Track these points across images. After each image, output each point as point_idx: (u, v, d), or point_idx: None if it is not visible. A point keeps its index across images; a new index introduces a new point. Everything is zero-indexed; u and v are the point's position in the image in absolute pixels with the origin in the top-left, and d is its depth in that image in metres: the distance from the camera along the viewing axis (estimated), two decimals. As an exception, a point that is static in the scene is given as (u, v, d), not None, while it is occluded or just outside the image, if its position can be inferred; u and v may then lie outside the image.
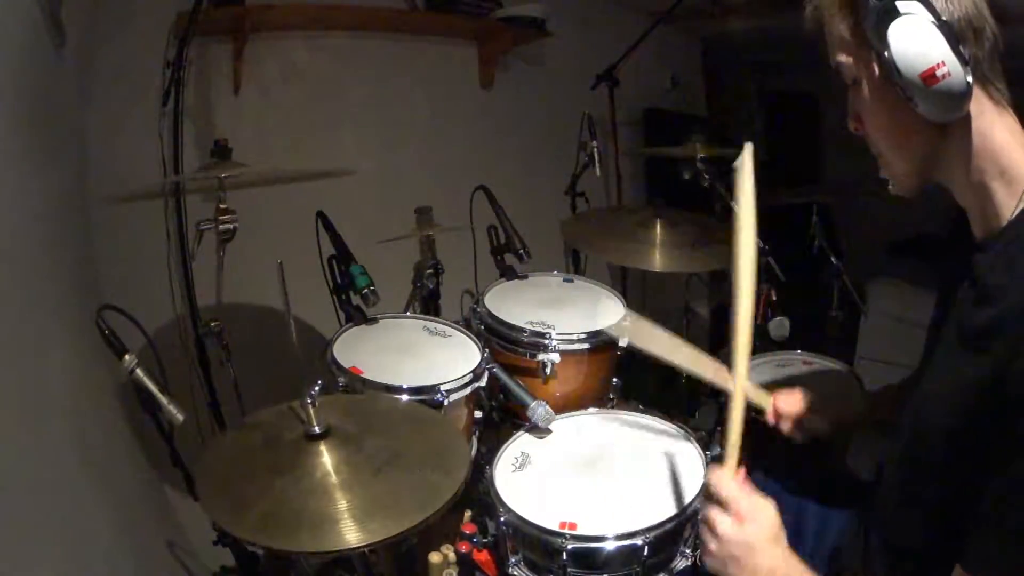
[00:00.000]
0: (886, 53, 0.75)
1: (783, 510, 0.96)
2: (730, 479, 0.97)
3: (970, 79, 0.73)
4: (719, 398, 1.96)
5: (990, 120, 0.78)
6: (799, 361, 2.07)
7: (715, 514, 0.95)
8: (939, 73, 0.72)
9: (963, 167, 0.81)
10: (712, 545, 0.94)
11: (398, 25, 2.50)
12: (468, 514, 1.46)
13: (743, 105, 3.28)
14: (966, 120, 0.78)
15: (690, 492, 1.30)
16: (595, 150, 2.29)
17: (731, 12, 3.09)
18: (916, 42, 0.73)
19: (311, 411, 1.17)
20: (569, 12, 2.82)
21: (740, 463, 0.99)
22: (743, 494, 0.95)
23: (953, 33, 0.73)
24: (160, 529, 1.71)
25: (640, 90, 3.10)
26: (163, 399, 1.21)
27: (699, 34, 3.45)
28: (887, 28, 0.74)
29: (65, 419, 1.25)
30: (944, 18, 0.73)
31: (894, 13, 0.74)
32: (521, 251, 1.96)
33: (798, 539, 1.23)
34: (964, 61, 0.73)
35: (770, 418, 1.33)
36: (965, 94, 0.74)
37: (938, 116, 0.77)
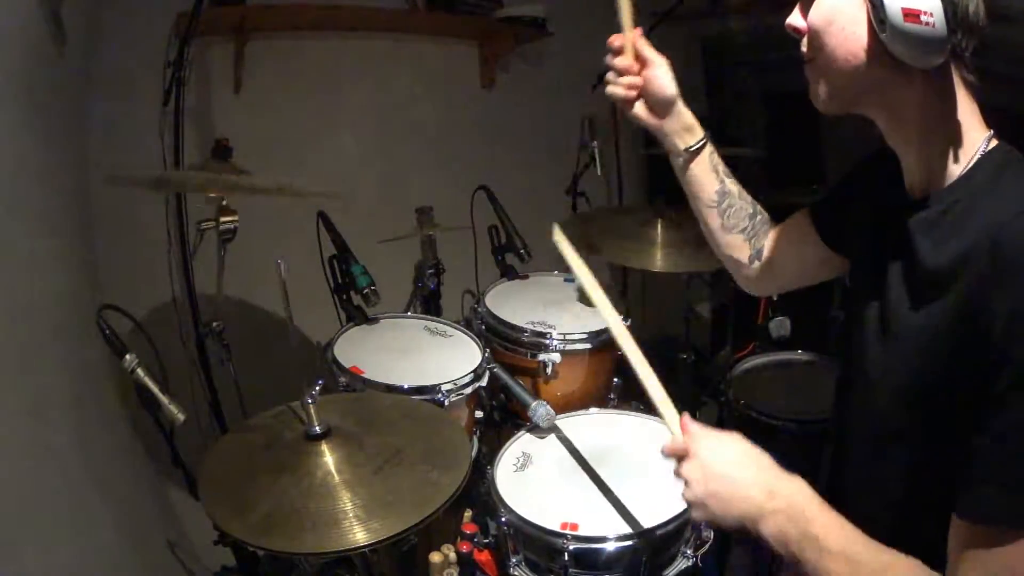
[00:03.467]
0: None
1: None
2: (676, 431, 0.97)
3: (947, 44, 0.75)
4: (720, 398, 1.96)
5: (953, 93, 0.81)
6: (799, 361, 2.07)
7: (677, 468, 0.94)
8: (923, 19, 0.74)
9: (914, 120, 0.83)
10: (687, 495, 0.91)
11: (398, 25, 2.50)
12: (469, 514, 1.46)
13: (743, 105, 3.28)
14: (931, 78, 0.80)
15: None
16: (596, 150, 2.29)
17: (731, 12, 3.09)
18: None
19: (312, 411, 1.17)
20: (570, 12, 2.81)
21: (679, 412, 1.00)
22: (692, 436, 0.94)
23: (953, 3, 0.74)
24: (161, 529, 1.71)
25: (641, 90, 3.09)
26: (164, 399, 1.21)
27: (699, 34, 3.45)
28: None
29: (66, 419, 1.25)
30: None
31: None
32: (522, 251, 1.96)
33: None
34: (951, 28, 0.74)
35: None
36: (935, 50, 0.76)
37: (899, 53, 0.78)
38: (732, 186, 1.18)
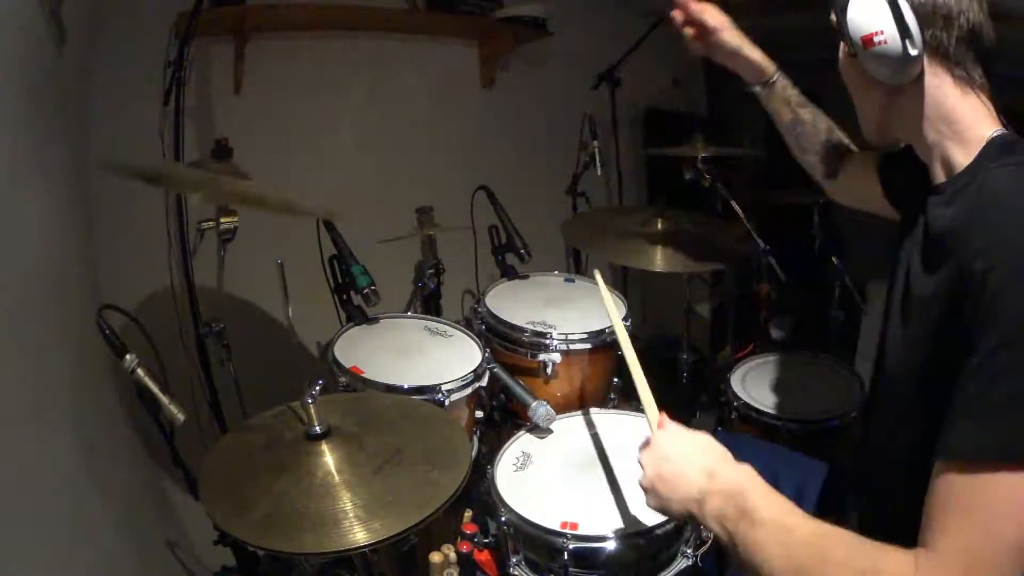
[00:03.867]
0: (843, 14, 0.87)
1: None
2: (653, 427, 1.00)
3: (913, 52, 0.82)
4: (720, 398, 1.97)
5: (945, 92, 0.87)
6: (800, 361, 2.07)
7: (638, 457, 0.98)
8: (876, 39, 0.83)
9: (917, 126, 0.91)
10: (640, 481, 0.96)
11: (399, 25, 2.50)
12: (469, 514, 1.46)
13: (743, 105, 3.27)
14: (918, 87, 0.87)
15: (691, 492, 1.30)
16: (596, 150, 2.29)
17: (731, 12, 3.09)
18: (864, 10, 0.84)
19: (312, 411, 1.17)
20: (570, 12, 2.82)
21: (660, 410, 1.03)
22: (662, 430, 0.98)
23: (900, 12, 0.82)
24: (161, 529, 1.71)
25: (641, 90, 3.09)
26: (164, 399, 1.21)
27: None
28: None
29: (66, 419, 1.25)
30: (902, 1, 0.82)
31: None
32: (522, 251, 1.96)
33: None
34: (906, 35, 0.82)
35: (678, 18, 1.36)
36: (902, 62, 0.83)
37: (881, 76, 0.87)
38: (806, 115, 1.31)
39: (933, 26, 0.83)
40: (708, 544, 1.29)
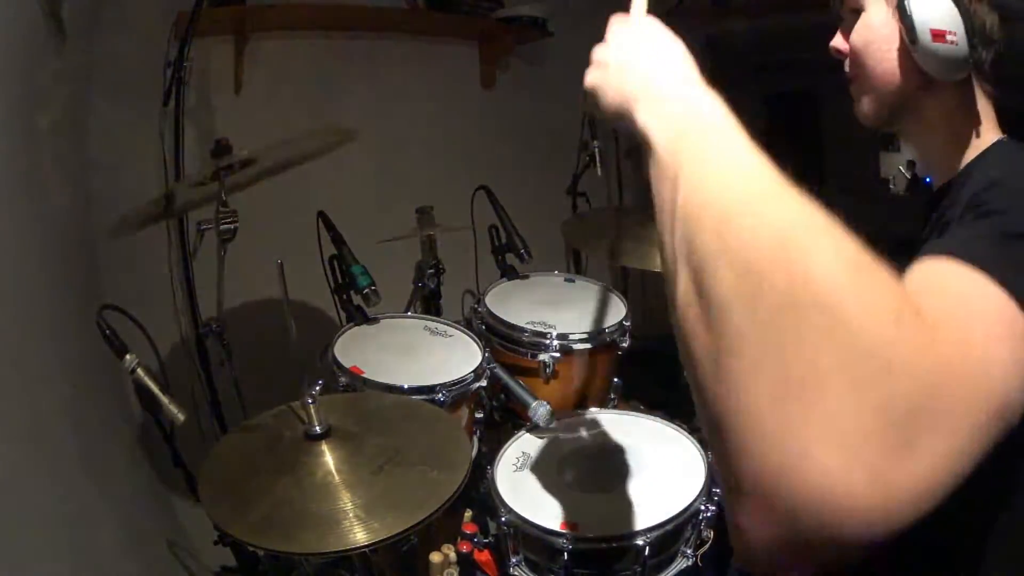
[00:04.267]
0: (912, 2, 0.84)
1: None
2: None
3: (970, 60, 0.83)
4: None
5: (974, 102, 0.88)
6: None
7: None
8: (948, 38, 0.82)
9: (933, 124, 0.91)
10: (597, 52, 0.74)
11: (399, 25, 2.50)
12: (469, 514, 1.46)
13: (744, 105, 3.27)
14: (956, 90, 0.88)
15: (691, 492, 1.30)
16: (596, 150, 2.28)
17: (731, 12, 3.09)
18: (937, 7, 0.83)
19: (312, 411, 1.17)
20: (570, 12, 2.81)
21: None
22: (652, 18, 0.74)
23: (971, 20, 0.82)
24: (161, 529, 1.71)
25: (641, 90, 3.09)
26: (164, 399, 1.21)
27: (699, 34, 3.45)
28: None
29: (66, 419, 1.25)
30: (969, 8, 0.83)
31: None
32: (522, 251, 1.96)
33: None
34: (972, 45, 0.82)
35: None
36: (959, 66, 0.84)
37: (929, 69, 0.86)
38: None
39: (981, 44, 0.85)
40: (708, 544, 1.29)
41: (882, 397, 0.39)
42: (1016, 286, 0.54)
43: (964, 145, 0.89)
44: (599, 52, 0.74)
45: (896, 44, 0.89)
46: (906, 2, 0.84)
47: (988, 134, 0.89)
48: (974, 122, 0.89)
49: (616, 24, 0.76)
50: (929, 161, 0.96)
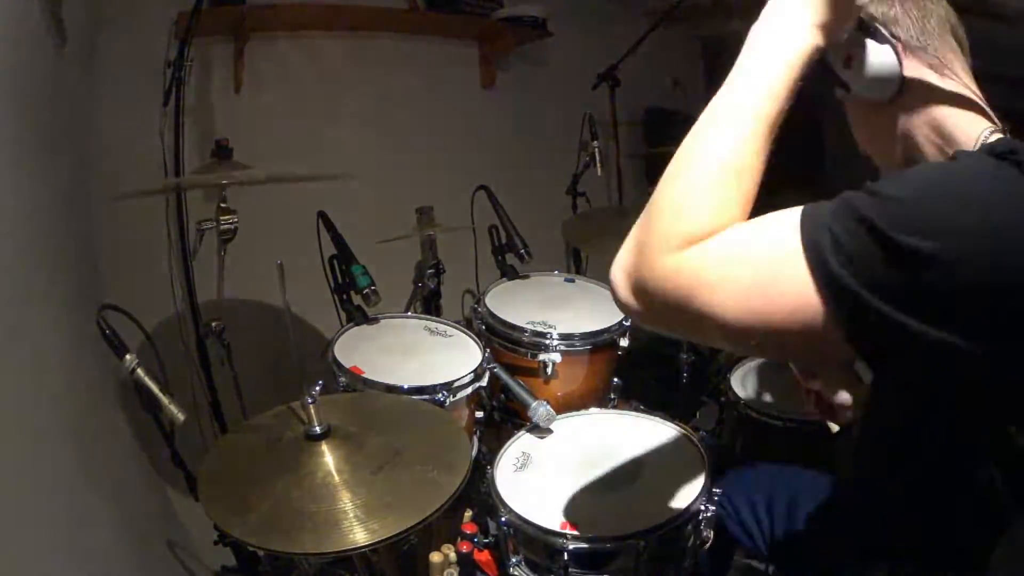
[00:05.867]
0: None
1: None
2: None
3: (893, 58, 0.80)
4: (719, 398, 1.96)
5: (934, 90, 0.83)
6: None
7: None
8: (853, 57, 0.81)
9: (925, 138, 0.86)
10: None
11: (399, 25, 2.50)
12: (469, 514, 1.46)
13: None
14: (909, 96, 0.83)
15: (691, 493, 1.30)
16: (596, 150, 2.28)
17: (731, 12, 3.09)
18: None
19: (312, 411, 1.17)
20: (570, 12, 2.82)
21: None
22: None
23: (862, 22, 0.79)
24: (161, 528, 1.71)
25: (641, 90, 3.09)
26: (164, 399, 1.21)
27: (700, 34, 3.45)
28: None
29: (66, 419, 1.25)
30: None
31: None
32: (522, 251, 1.96)
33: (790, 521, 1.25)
34: (882, 40, 0.79)
35: None
36: (882, 77, 0.81)
37: (874, 94, 0.84)
38: None
39: (889, 22, 0.82)
40: (708, 544, 1.29)
41: (645, 261, 0.70)
42: (807, 237, 0.63)
43: (947, 147, 0.84)
44: None
45: (855, 105, 0.89)
46: (827, 58, 0.82)
47: (970, 129, 0.82)
48: (944, 122, 0.84)
49: None
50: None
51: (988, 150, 0.70)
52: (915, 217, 0.61)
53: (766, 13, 0.77)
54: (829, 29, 0.75)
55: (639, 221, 0.75)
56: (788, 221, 0.66)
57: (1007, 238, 0.60)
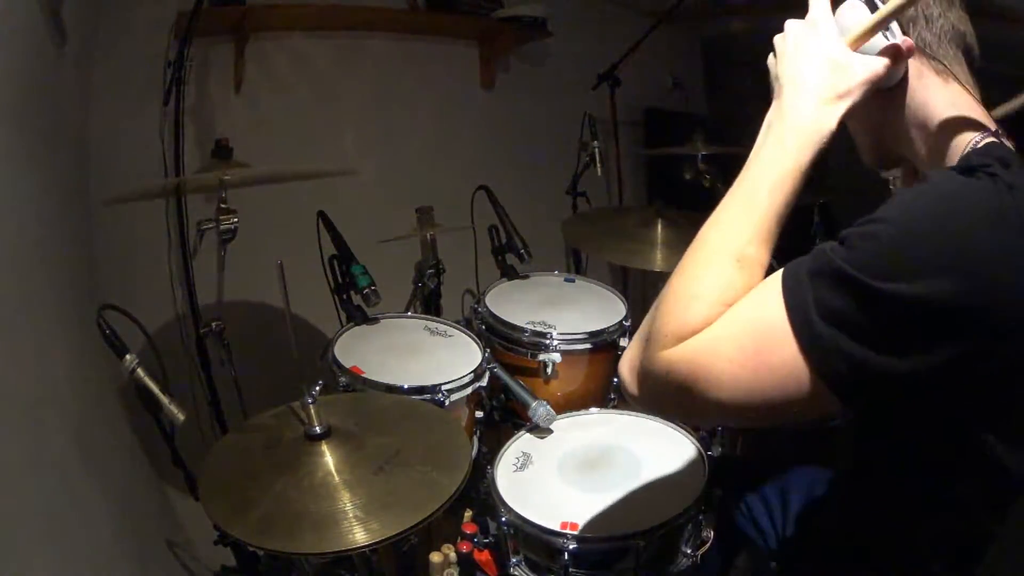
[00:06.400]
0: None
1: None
2: None
3: (898, 37, 0.78)
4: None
5: (933, 91, 0.82)
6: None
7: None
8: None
9: (907, 133, 0.85)
10: (777, 38, 0.85)
11: (399, 25, 2.50)
12: (469, 514, 1.46)
13: (743, 105, 3.28)
14: (905, 89, 0.82)
15: (691, 492, 1.30)
16: (596, 150, 2.28)
17: (731, 12, 3.09)
18: (847, 16, 0.80)
19: (312, 411, 1.17)
20: (570, 12, 2.82)
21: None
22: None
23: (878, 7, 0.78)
24: (161, 528, 1.71)
25: (641, 90, 3.10)
26: (164, 399, 1.21)
27: (700, 34, 3.45)
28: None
29: (66, 419, 1.25)
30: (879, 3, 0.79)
31: None
32: (522, 251, 1.96)
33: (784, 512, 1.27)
34: (888, 29, 0.78)
35: None
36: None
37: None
38: None
39: (909, 22, 0.81)
40: (708, 544, 1.29)
41: (646, 355, 0.73)
42: (803, 333, 0.64)
43: (940, 150, 0.81)
44: (776, 37, 0.85)
45: (876, 117, 0.86)
46: None
47: (965, 130, 0.80)
48: (936, 119, 0.81)
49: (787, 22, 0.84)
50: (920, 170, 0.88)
51: (962, 165, 0.70)
52: (893, 262, 0.61)
53: (785, 105, 0.79)
54: (844, 100, 0.76)
55: (647, 317, 0.77)
56: (771, 290, 0.68)
57: (989, 260, 0.60)
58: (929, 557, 0.81)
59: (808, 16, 0.82)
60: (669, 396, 0.72)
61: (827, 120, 0.76)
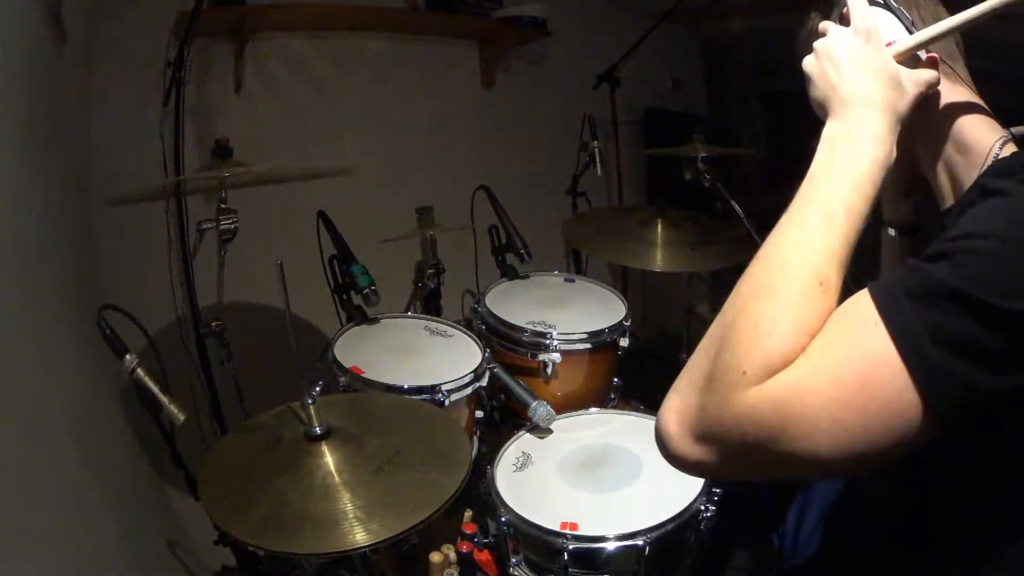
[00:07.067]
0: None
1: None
2: None
3: (923, 53, 0.76)
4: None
5: (945, 96, 0.80)
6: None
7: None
8: (892, 47, 0.76)
9: (931, 147, 0.81)
10: (806, 63, 0.82)
11: (399, 25, 2.50)
12: (469, 514, 1.46)
13: (744, 105, 3.28)
14: (927, 101, 0.79)
15: (691, 492, 1.30)
16: (596, 150, 2.28)
17: (731, 12, 3.09)
18: (881, 28, 0.77)
19: (312, 412, 1.17)
20: (570, 12, 2.82)
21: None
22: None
23: (903, 15, 0.77)
24: (161, 528, 1.71)
25: (641, 90, 3.09)
26: (164, 399, 1.21)
27: (699, 34, 3.45)
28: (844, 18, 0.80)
29: (66, 419, 1.25)
30: (895, 4, 0.78)
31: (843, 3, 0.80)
32: (522, 251, 1.96)
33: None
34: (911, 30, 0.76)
35: None
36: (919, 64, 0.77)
37: None
38: None
39: (913, 21, 0.79)
40: (708, 544, 1.29)
41: (715, 400, 0.62)
42: (912, 358, 0.57)
43: (959, 155, 0.79)
44: (821, 43, 0.80)
45: None
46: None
47: (982, 137, 0.78)
48: (955, 126, 0.79)
49: (832, 28, 0.80)
50: (935, 185, 0.85)
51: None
52: (1015, 279, 0.56)
53: (844, 120, 0.74)
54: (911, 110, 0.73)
55: (700, 355, 0.66)
56: (865, 315, 0.60)
57: None
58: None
59: (855, 24, 0.77)
60: (745, 450, 0.60)
61: (893, 141, 0.73)
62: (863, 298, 0.62)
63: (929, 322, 0.57)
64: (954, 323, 0.56)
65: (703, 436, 0.63)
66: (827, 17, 0.87)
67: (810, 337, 0.62)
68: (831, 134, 0.74)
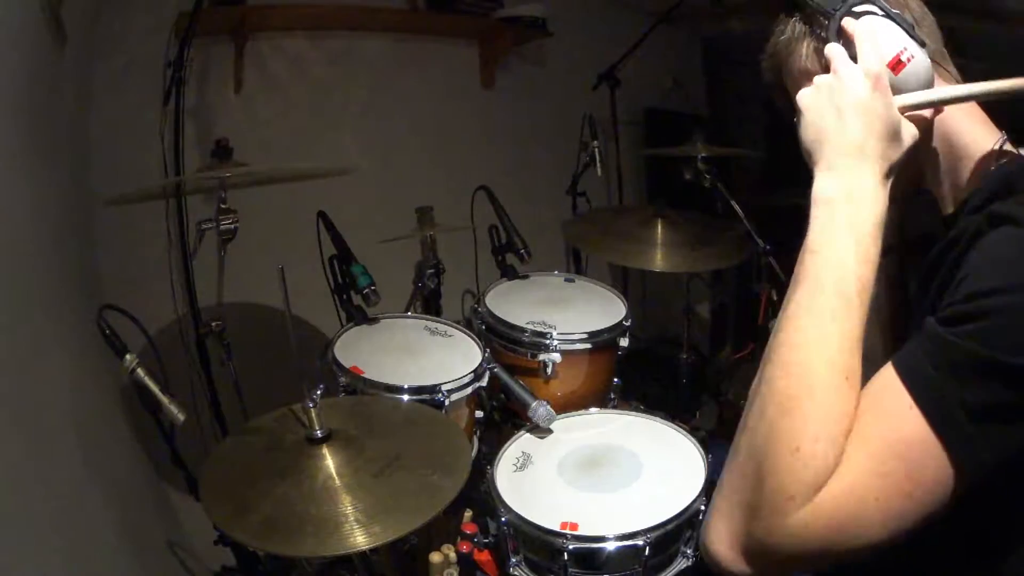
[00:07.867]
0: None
1: None
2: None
3: (928, 60, 0.75)
4: (719, 398, 1.97)
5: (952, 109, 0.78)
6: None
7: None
8: (904, 57, 0.74)
9: (935, 154, 0.80)
10: (801, 96, 0.78)
11: (399, 25, 2.50)
12: (469, 514, 1.46)
13: (743, 105, 3.28)
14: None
15: (691, 492, 1.30)
16: (596, 150, 2.28)
17: (732, 12, 3.09)
18: (876, 35, 0.75)
19: (313, 415, 1.17)
20: (570, 12, 2.82)
21: None
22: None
23: (904, 20, 0.75)
24: (161, 528, 1.71)
25: (641, 90, 3.09)
26: (164, 399, 1.21)
27: (700, 34, 3.45)
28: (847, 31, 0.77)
29: (66, 419, 1.25)
30: (895, 10, 0.76)
31: (848, 16, 0.77)
32: (522, 251, 1.96)
33: None
34: (921, 43, 0.75)
35: None
36: (928, 75, 0.75)
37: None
38: None
39: (917, 26, 0.77)
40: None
41: (765, 526, 0.61)
42: (950, 437, 0.58)
43: (961, 160, 0.78)
44: (826, 80, 0.76)
45: None
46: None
47: (981, 141, 0.77)
48: (958, 132, 0.78)
49: (841, 63, 0.75)
50: (937, 193, 0.84)
51: None
52: None
53: (832, 178, 0.72)
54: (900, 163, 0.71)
55: (736, 478, 0.66)
56: (895, 399, 0.61)
57: None
58: None
59: (866, 67, 0.73)
60: (803, 559, 0.62)
61: (887, 193, 0.71)
62: (891, 380, 0.62)
63: (963, 398, 0.58)
64: (987, 393, 0.57)
65: (758, 556, 0.63)
66: (808, 25, 0.84)
67: (846, 436, 0.61)
68: (828, 195, 0.72)
